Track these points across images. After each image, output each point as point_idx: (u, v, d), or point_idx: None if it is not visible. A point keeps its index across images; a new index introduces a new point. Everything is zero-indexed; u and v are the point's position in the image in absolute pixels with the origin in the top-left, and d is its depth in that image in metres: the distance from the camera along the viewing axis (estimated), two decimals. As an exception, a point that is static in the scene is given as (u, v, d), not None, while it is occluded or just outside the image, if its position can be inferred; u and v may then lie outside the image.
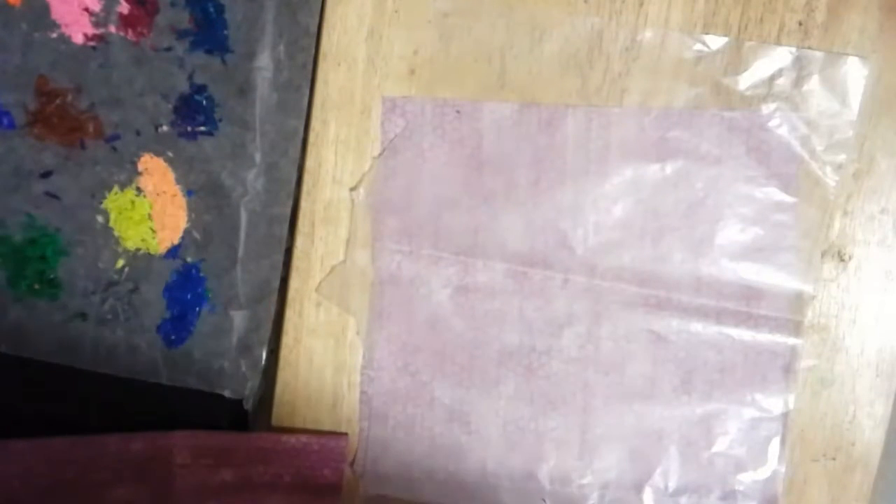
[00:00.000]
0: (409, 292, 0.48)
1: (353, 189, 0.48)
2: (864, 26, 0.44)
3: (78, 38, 0.48)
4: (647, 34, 0.45)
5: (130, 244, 0.49)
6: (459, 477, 0.48)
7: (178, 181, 0.49)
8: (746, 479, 0.47)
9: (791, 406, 0.46)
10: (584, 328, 0.47)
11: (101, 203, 0.49)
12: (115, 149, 0.49)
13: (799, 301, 0.45)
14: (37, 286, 0.50)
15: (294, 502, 0.49)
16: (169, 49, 0.47)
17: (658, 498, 0.47)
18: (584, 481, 0.47)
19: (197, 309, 0.49)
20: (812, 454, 0.47)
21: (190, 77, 0.47)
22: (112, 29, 0.48)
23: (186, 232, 0.49)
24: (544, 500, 0.47)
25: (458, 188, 0.47)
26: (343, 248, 0.49)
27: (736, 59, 0.45)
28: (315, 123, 0.48)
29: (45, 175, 0.49)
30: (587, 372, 0.47)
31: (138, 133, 0.48)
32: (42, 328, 0.50)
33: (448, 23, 0.47)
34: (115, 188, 0.49)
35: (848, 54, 0.44)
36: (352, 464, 0.49)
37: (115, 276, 0.49)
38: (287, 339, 0.50)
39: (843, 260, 0.45)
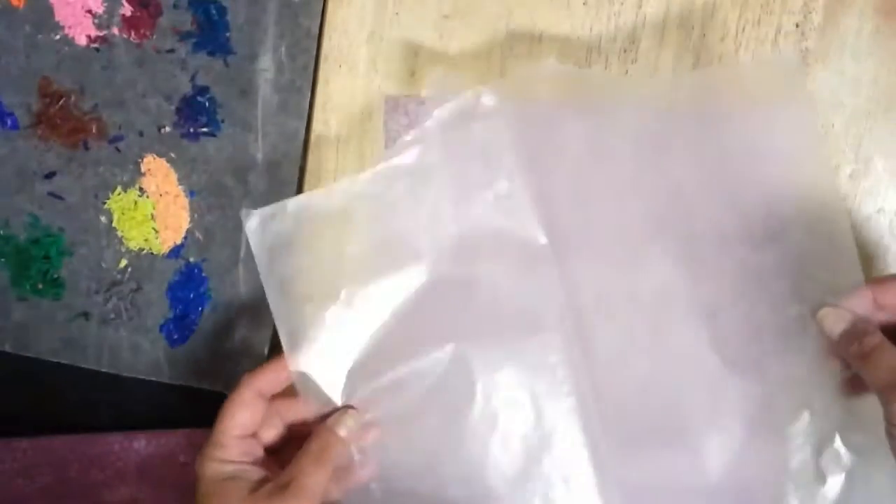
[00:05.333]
0: (411, 290, 0.48)
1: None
2: (861, 28, 0.44)
3: (81, 40, 0.48)
4: (646, 36, 0.46)
5: (133, 244, 0.50)
6: (462, 472, 0.48)
7: (180, 182, 0.49)
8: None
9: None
10: (586, 324, 0.47)
11: (105, 203, 0.49)
12: (118, 150, 0.49)
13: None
14: (41, 286, 0.50)
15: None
16: (171, 51, 0.48)
17: (650, 496, 0.47)
18: (578, 480, 0.47)
19: (199, 308, 0.50)
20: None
21: (192, 78, 0.48)
22: (115, 31, 0.48)
23: (189, 232, 0.49)
24: (545, 498, 0.48)
25: (460, 186, 0.48)
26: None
27: (734, 61, 0.45)
28: (316, 124, 0.49)
29: (49, 176, 0.50)
30: (588, 369, 0.47)
31: (141, 134, 0.49)
32: (46, 327, 0.51)
33: (448, 24, 0.47)
34: (119, 189, 0.49)
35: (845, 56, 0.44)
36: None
37: (119, 276, 0.50)
38: (288, 339, 0.50)
39: (839, 260, 0.45)
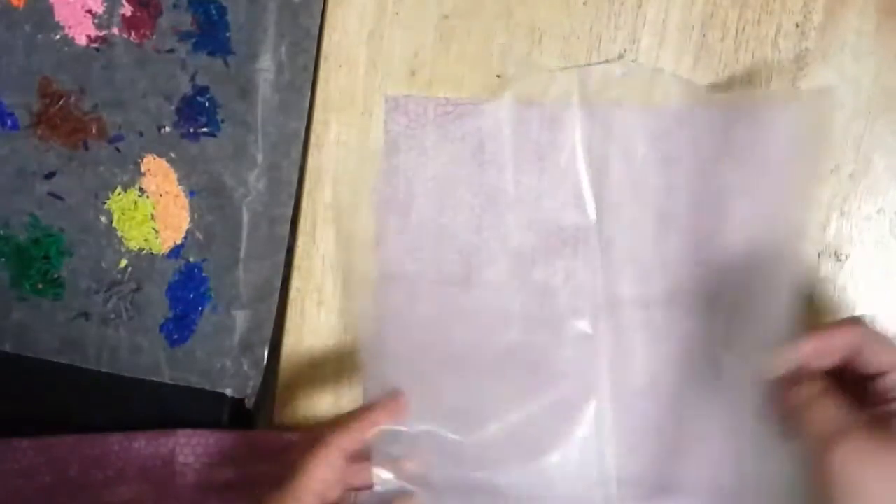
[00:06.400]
0: (413, 290, 0.48)
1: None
2: (861, 27, 0.44)
3: (81, 40, 0.48)
4: (646, 35, 0.46)
5: (133, 244, 0.50)
6: (463, 474, 0.48)
7: (180, 182, 0.49)
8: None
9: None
10: (587, 324, 0.47)
11: (105, 203, 0.49)
12: (118, 150, 0.49)
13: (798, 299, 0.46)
14: (41, 286, 0.50)
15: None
16: (171, 51, 0.48)
17: (660, 495, 0.47)
18: (590, 478, 0.47)
19: (199, 308, 0.49)
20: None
21: (192, 78, 0.48)
22: (115, 31, 0.48)
23: (189, 232, 0.49)
24: (547, 498, 0.48)
25: (461, 186, 0.48)
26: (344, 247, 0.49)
27: (734, 60, 0.45)
28: (316, 124, 0.49)
29: (49, 176, 0.50)
30: (590, 368, 0.47)
31: (141, 134, 0.49)
32: (46, 327, 0.51)
33: (448, 24, 0.47)
34: (119, 189, 0.49)
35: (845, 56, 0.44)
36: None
37: (119, 276, 0.50)
38: (288, 338, 0.50)
39: (839, 260, 0.45)
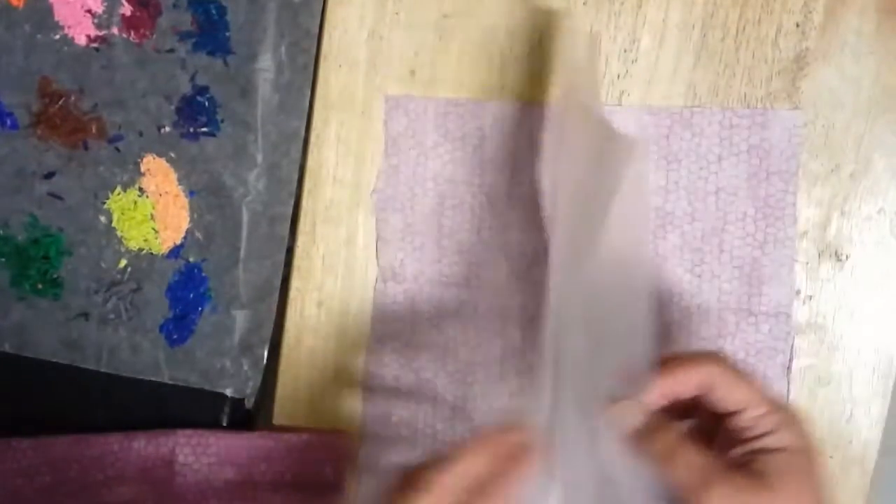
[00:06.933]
0: (413, 289, 0.48)
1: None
2: (861, 28, 0.44)
3: (81, 40, 0.48)
4: (646, 35, 0.46)
5: (133, 244, 0.50)
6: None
7: (180, 181, 0.49)
8: None
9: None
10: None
11: (104, 203, 0.49)
12: (117, 150, 0.49)
13: (798, 299, 0.46)
14: (40, 286, 0.50)
15: (296, 500, 0.49)
16: (171, 51, 0.48)
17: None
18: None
19: (199, 308, 0.49)
20: (810, 452, 0.47)
21: (192, 78, 0.48)
22: (115, 31, 0.48)
23: (189, 232, 0.49)
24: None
25: (461, 186, 0.48)
26: (344, 247, 0.49)
27: (734, 60, 0.45)
28: (316, 124, 0.49)
29: (49, 176, 0.50)
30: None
31: (141, 134, 0.49)
32: (45, 327, 0.51)
33: (448, 24, 0.47)
34: (118, 189, 0.49)
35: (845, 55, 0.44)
36: (353, 461, 0.50)
37: (118, 276, 0.50)
38: (288, 338, 0.50)
39: (839, 260, 0.45)
